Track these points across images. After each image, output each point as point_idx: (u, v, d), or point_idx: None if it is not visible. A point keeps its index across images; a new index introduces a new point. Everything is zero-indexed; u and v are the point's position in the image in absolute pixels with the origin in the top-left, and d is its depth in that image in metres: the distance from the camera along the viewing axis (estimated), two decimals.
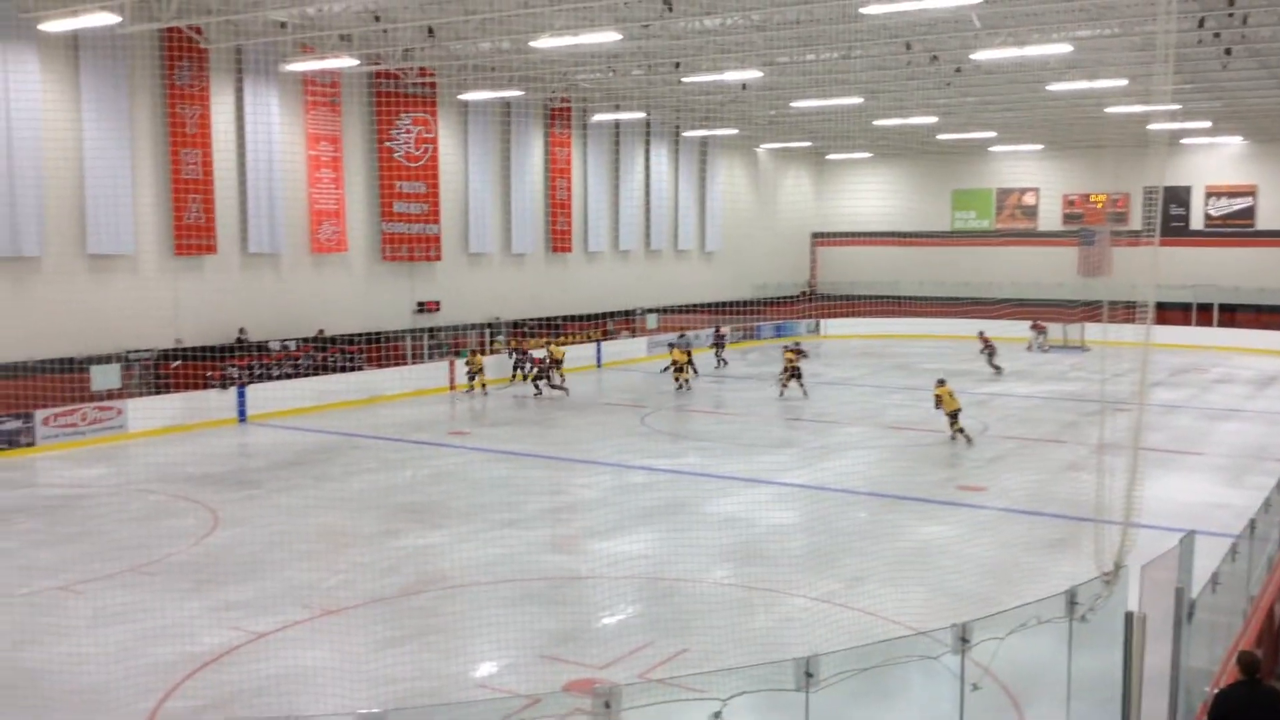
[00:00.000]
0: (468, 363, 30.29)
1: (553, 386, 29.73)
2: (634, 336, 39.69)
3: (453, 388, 30.61)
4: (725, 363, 36.16)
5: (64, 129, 23.67)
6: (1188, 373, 34.62)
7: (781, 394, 28.72)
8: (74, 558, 14.62)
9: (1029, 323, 41.92)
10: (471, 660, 11.24)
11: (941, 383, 23.05)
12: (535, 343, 33.24)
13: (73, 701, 9.89)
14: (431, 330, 32.52)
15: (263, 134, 27.60)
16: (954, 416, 22.41)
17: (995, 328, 41.04)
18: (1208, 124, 39.16)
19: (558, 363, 30.33)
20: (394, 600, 13.08)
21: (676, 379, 30.82)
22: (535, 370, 30.47)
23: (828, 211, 53.05)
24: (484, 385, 30.10)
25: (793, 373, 28.53)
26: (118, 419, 23.37)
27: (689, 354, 31.65)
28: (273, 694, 10.21)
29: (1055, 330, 41.71)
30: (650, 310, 41.21)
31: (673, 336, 36.45)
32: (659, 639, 11.65)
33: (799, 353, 29.53)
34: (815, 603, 12.76)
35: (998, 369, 33.66)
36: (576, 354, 35.34)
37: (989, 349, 34.38)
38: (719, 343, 36.97)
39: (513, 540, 15.43)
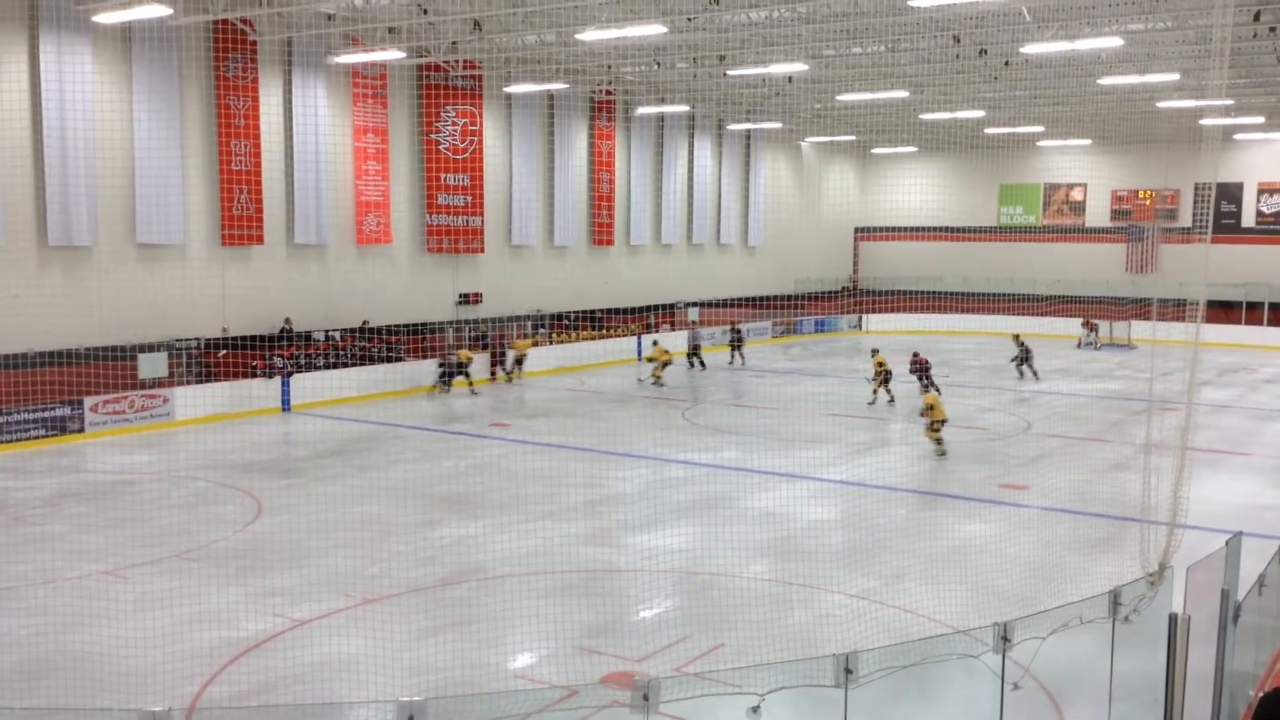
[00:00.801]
0: (453, 360, 28.68)
1: (504, 378, 30.04)
2: (675, 330, 39.65)
3: (493, 379, 30.73)
4: (743, 359, 35.43)
5: (116, 120, 24.02)
6: (1236, 372, 34.07)
7: (873, 401, 26.81)
8: (120, 543, 14.85)
9: (1079, 320, 41.37)
10: (509, 651, 11.29)
11: (926, 389, 23.71)
12: (524, 343, 31.42)
13: (118, 684, 10.03)
14: (473, 322, 32.67)
15: (310, 125, 27.86)
16: (936, 426, 21.10)
17: (1041, 325, 40.66)
18: (1261, 119, 38.47)
19: (519, 360, 30.37)
20: (433, 590, 13.16)
21: (656, 377, 30.03)
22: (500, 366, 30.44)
23: (871, 206, 52.69)
24: (472, 385, 28.72)
25: (885, 377, 26.68)
26: (164, 407, 23.70)
27: (669, 354, 30.86)
28: (313, 681, 10.32)
29: (1103, 328, 41.22)
30: (692, 304, 41.15)
31: (658, 335, 35.98)
32: (696, 633, 11.64)
33: (921, 364, 27.09)
34: (853, 599, 12.69)
35: (1034, 373, 31.45)
36: (617, 347, 35.36)
37: (1024, 353, 31.81)
38: (736, 341, 35.90)
39: (550, 532, 15.47)
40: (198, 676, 10.37)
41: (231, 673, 10.59)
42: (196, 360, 25.53)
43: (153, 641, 10.88)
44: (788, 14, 24.37)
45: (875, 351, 27.63)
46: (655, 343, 32.22)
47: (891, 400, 26.78)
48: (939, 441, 21.06)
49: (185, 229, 25.68)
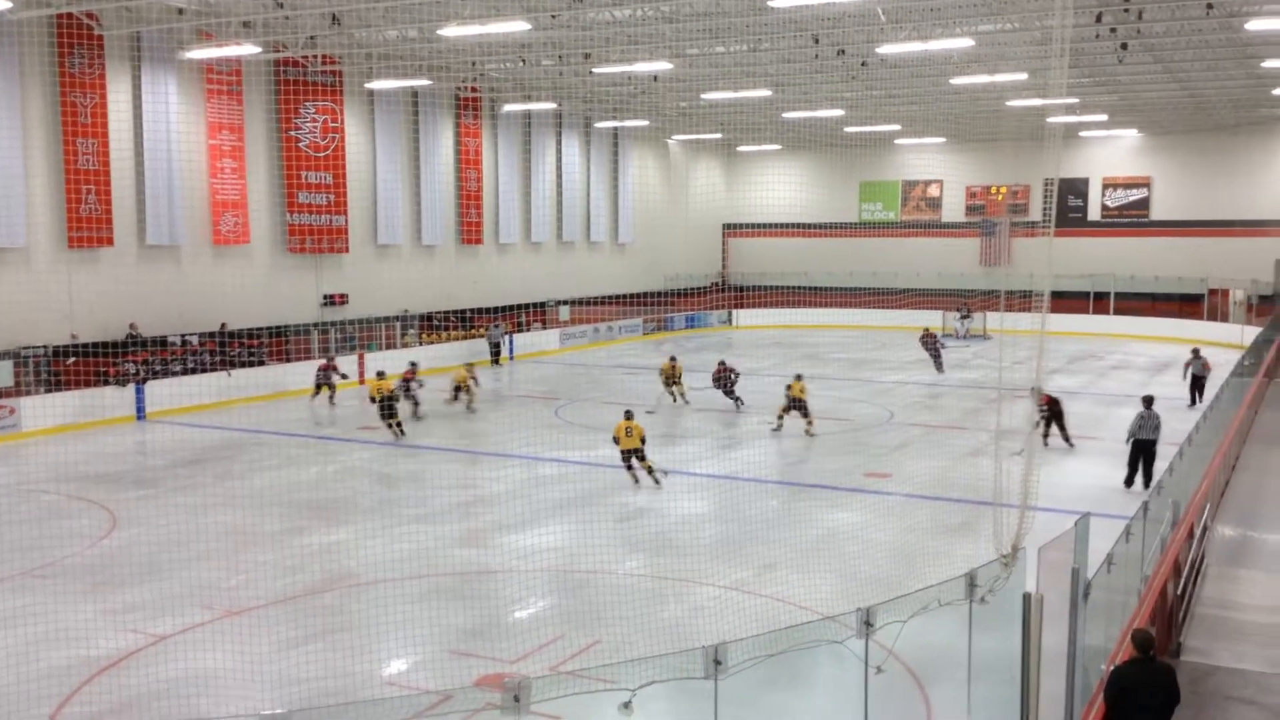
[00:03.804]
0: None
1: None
2: (545, 328, 39.55)
3: (363, 381, 30.13)
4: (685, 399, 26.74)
5: None
6: (1085, 360, 35.63)
7: (1044, 442, 20.53)
8: None
9: (954, 309, 42.62)
10: (380, 658, 11.10)
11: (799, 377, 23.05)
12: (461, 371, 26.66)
13: None
14: (339, 324, 31.99)
15: (161, 123, 26.86)
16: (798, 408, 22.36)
17: (900, 318, 41.82)
18: (1104, 117, 40.33)
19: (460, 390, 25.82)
20: (299, 599, 12.85)
21: (457, 396, 25.96)
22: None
23: (738, 203, 53.44)
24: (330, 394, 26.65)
25: (1051, 417, 20.94)
26: (11, 418, 22.58)
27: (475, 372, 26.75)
28: (174, 697, 9.97)
29: (951, 320, 42.59)
30: (563, 302, 41.10)
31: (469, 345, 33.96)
32: (571, 631, 11.64)
33: (1052, 403, 21.06)
34: (726, 591, 12.86)
35: (939, 365, 31.72)
36: (487, 347, 35.06)
37: (936, 347, 32.09)
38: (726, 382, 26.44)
39: (422, 536, 15.27)
40: (52, 698, 9.93)
41: (87, 692, 10.16)
42: (45, 367, 24.38)
43: (2, 663, 10.36)
44: (651, 12, 24.53)
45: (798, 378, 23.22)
46: (673, 359, 26.90)
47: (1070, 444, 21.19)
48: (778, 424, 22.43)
49: (28, 231, 24.49)
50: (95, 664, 10.79)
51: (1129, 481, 17.89)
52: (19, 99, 24.02)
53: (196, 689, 10.15)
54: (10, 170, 23.81)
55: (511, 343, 36.67)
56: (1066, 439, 20.98)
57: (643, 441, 18.10)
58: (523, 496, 17.59)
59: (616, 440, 18.17)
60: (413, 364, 25.79)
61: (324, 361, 27.33)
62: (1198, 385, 26.55)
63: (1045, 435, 20.65)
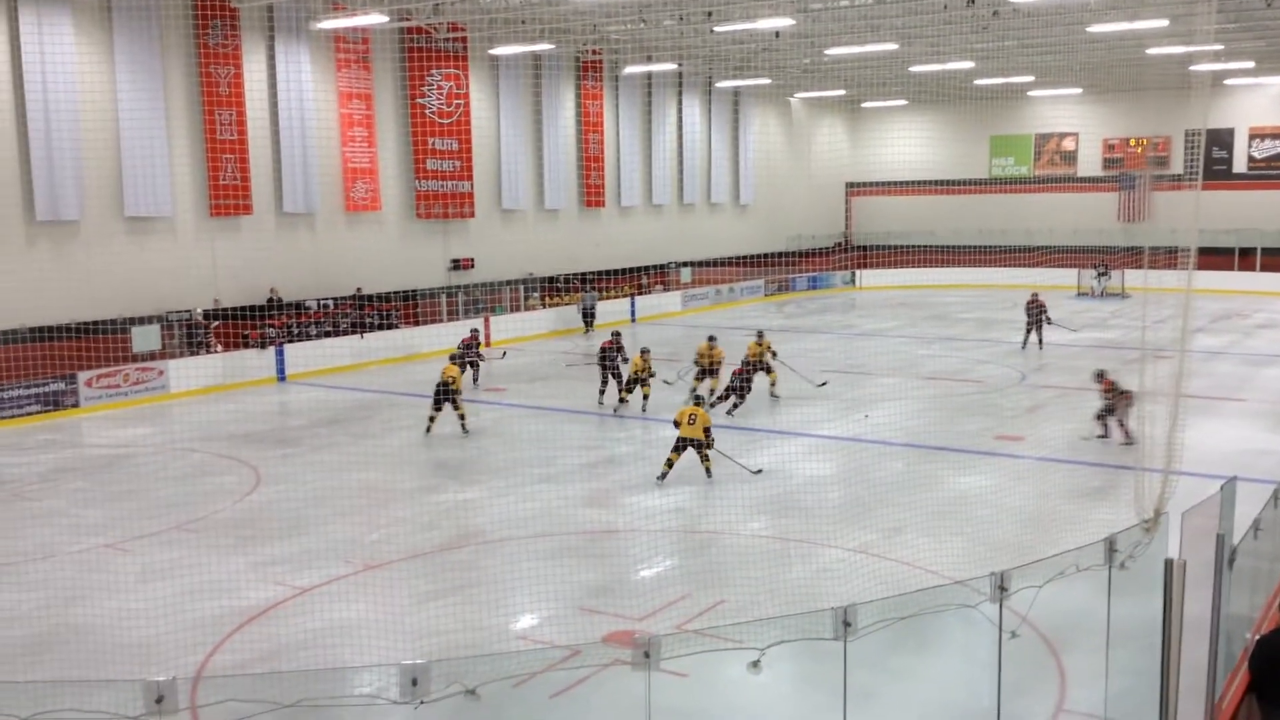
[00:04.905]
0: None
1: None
2: (667, 290, 39.60)
3: (489, 344, 30.62)
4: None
5: (99, 92, 23.81)
6: (1229, 319, 34.12)
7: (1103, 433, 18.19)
8: (121, 516, 14.88)
9: (1091, 265, 41.11)
10: (511, 613, 11.36)
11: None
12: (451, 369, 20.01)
13: (122, 656, 10.08)
14: (466, 288, 32.58)
15: (295, 93, 27.64)
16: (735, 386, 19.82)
17: (1034, 276, 40.60)
18: (1251, 64, 38.27)
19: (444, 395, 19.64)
20: (434, 555, 13.22)
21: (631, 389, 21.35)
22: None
23: (863, 161, 52.46)
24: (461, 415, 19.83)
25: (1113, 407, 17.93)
26: (159, 380, 23.66)
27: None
28: (317, 647, 10.37)
29: (1087, 278, 41.15)
30: (684, 264, 41.06)
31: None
32: (696, 591, 11.72)
33: (1114, 392, 17.88)
34: (852, 554, 12.77)
35: (1040, 339, 28.04)
36: (612, 308, 35.33)
37: (1039, 313, 27.90)
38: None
39: (548, 495, 15.52)
40: (202, 646, 10.43)
41: (235, 641, 10.65)
42: (195, 331, 25.42)
43: (156, 612, 10.92)
44: None
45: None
46: (761, 339, 22.98)
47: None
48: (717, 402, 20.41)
49: (173, 201, 25.53)
50: (243, 614, 11.30)
51: None
52: (161, 72, 24.97)
53: (338, 639, 10.55)
54: (155, 142, 24.80)
55: (634, 305, 36.83)
56: (1126, 435, 17.46)
57: (707, 433, 15.92)
58: (646, 458, 17.71)
59: (677, 424, 16.15)
60: (474, 330, 25.36)
61: (466, 335, 24.42)
62: None
63: (1104, 427, 17.86)
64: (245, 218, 27.10)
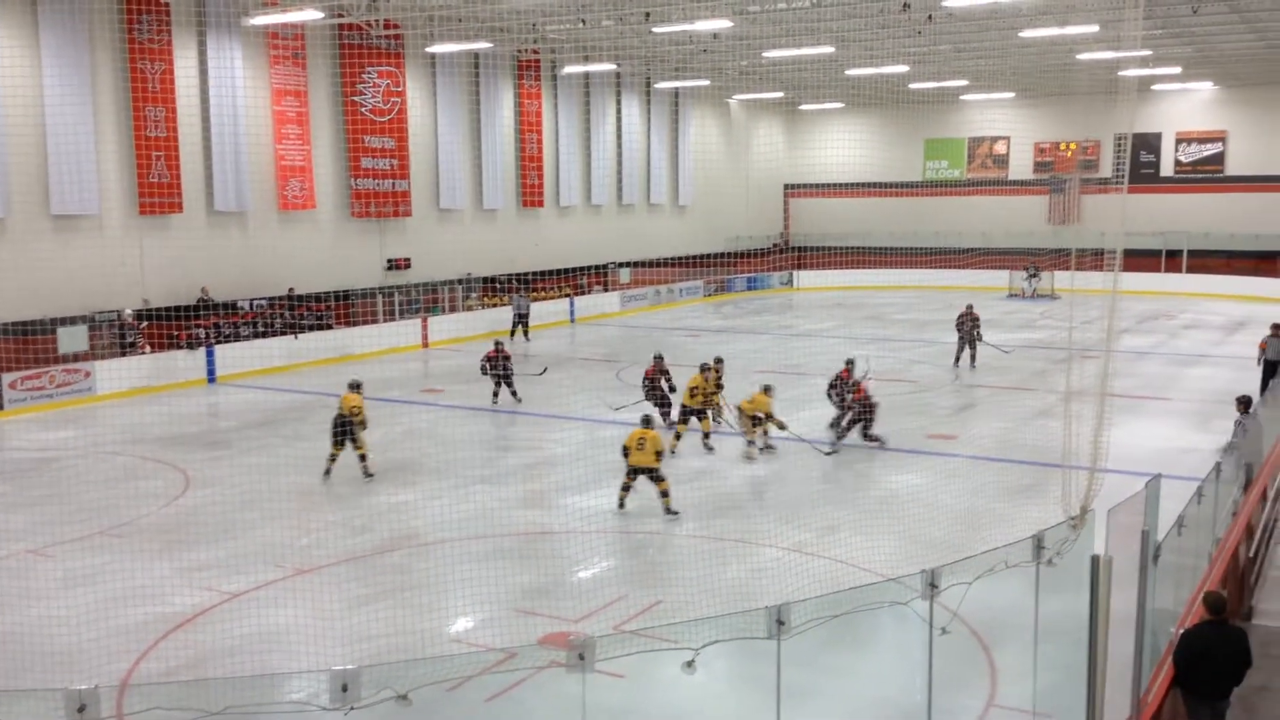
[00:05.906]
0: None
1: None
2: (606, 291, 39.58)
3: (425, 345, 30.39)
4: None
5: (25, 87, 23.24)
6: (1156, 319, 34.90)
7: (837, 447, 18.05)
8: (44, 521, 14.51)
9: (1021, 267, 41.81)
10: (446, 616, 11.27)
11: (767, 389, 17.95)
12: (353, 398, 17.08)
13: (45, 664, 9.85)
14: (402, 288, 32.29)
15: (227, 90, 27.18)
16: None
17: (966, 278, 41.25)
18: (1178, 70, 39.17)
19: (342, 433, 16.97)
20: (367, 558, 13.07)
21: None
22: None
23: (800, 163, 52.86)
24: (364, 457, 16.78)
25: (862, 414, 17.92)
26: (86, 381, 23.15)
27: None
28: (246, 653, 10.21)
29: (1018, 279, 41.87)
30: (623, 265, 41.08)
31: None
32: (632, 592, 11.72)
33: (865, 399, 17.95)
34: (787, 553, 12.85)
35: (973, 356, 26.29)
36: (550, 309, 35.25)
37: (973, 327, 26.17)
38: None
39: (485, 497, 15.43)
40: (128, 653, 10.22)
41: (163, 648, 10.45)
42: (131, 330, 24.88)
43: (80, 620, 10.68)
44: None
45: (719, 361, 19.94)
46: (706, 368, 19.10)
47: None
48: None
49: (100, 198, 24.99)
50: (170, 621, 11.08)
51: None
52: (89, 68, 24.43)
53: (268, 645, 10.39)
54: (82, 139, 24.25)
55: (573, 306, 36.76)
56: (866, 437, 17.58)
57: (658, 456, 14.30)
58: (584, 459, 17.67)
59: (626, 451, 14.42)
60: (498, 343, 22.58)
61: (490, 350, 22.38)
62: (1271, 372, 20.97)
63: (844, 432, 17.74)
64: (175, 216, 26.60)
